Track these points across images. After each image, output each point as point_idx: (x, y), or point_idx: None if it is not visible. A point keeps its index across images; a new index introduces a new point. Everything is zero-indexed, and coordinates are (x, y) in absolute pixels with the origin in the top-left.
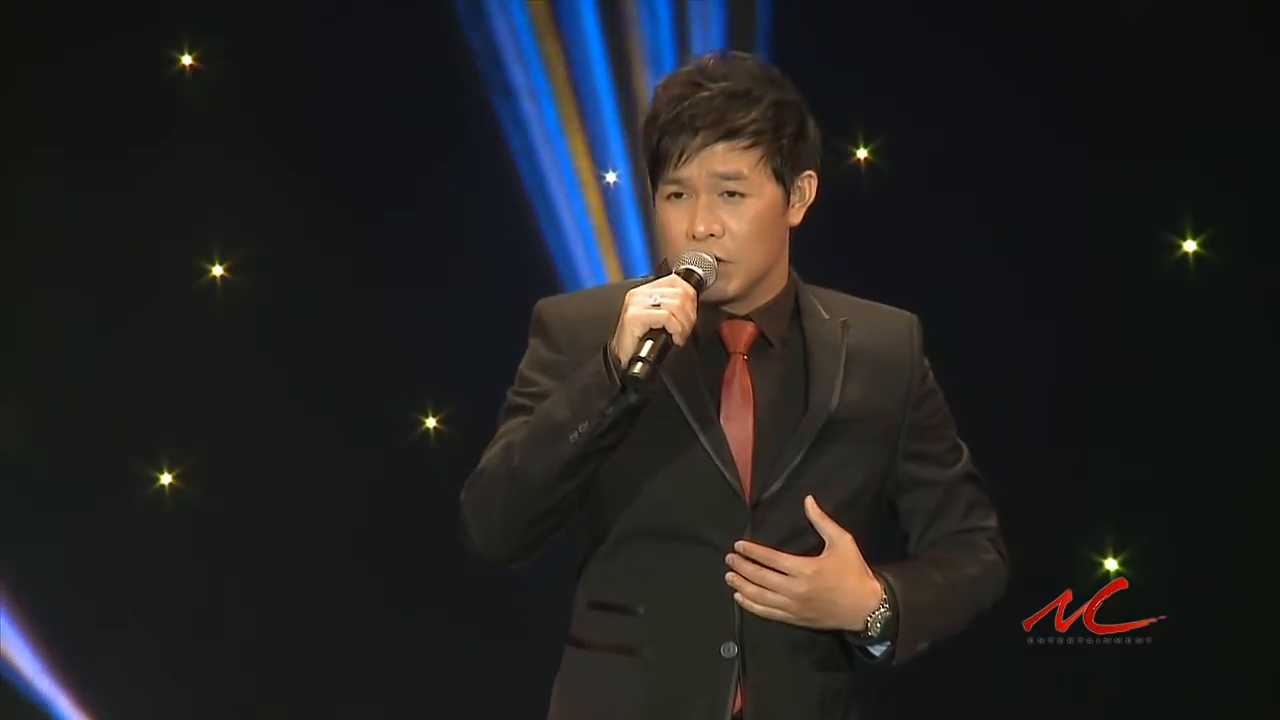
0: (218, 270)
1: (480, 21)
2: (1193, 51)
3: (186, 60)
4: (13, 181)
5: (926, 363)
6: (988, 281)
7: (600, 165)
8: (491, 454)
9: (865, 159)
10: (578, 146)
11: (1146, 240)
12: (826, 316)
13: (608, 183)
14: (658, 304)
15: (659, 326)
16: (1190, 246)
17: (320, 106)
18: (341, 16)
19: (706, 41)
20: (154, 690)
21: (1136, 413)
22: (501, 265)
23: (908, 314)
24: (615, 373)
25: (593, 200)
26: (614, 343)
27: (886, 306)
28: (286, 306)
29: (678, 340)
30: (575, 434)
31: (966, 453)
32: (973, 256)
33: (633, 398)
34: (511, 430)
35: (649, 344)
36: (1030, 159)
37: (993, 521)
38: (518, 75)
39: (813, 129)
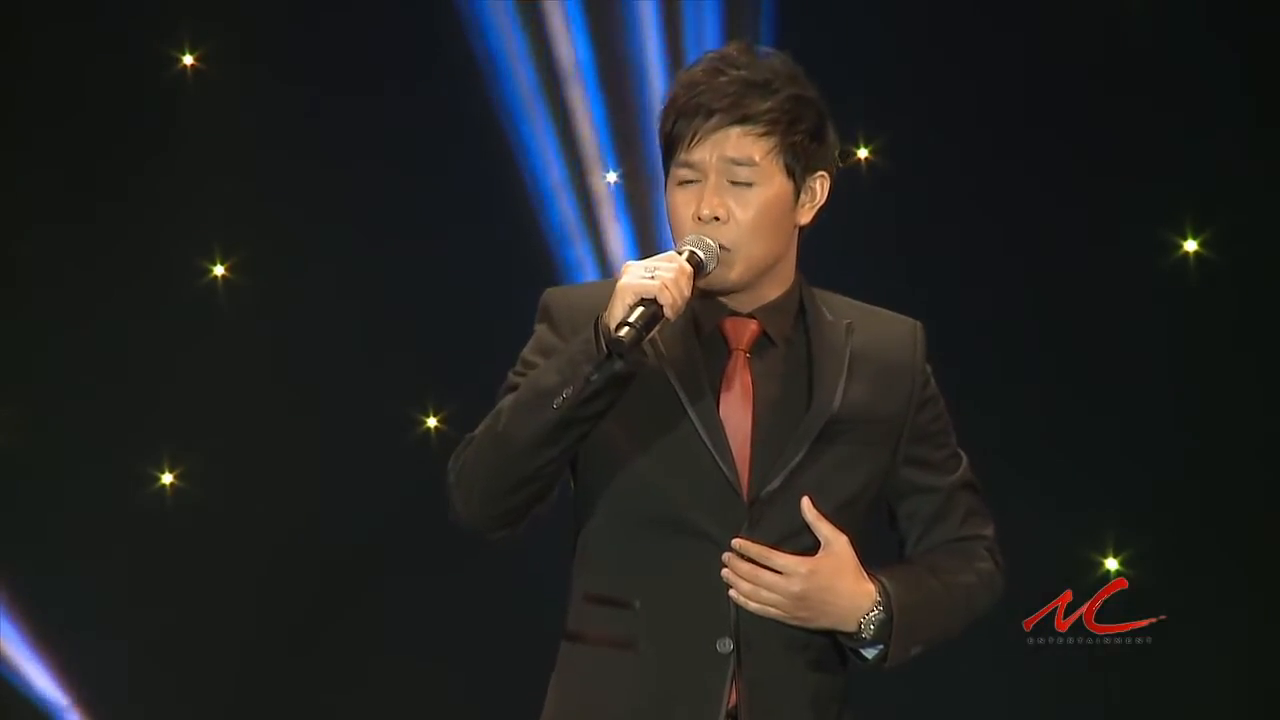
0: (218, 270)
1: (483, 22)
2: (1193, 51)
3: (187, 60)
4: (13, 181)
5: (929, 369)
6: (988, 281)
7: (600, 165)
8: (482, 425)
9: (865, 159)
10: (579, 147)
11: (1146, 240)
12: (831, 318)
13: (608, 183)
14: (653, 276)
15: (650, 297)
16: (1190, 246)
17: (320, 106)
18: (342, 17)
19: (710, 41)
20: (154, 690)
21: (1137, 412)
22: (502, 265)
23: (911, 320)
24: (603, 339)
25: (593, 201)
26: (606, 313)
27: (890, 312)
28: (286, 306)
29: (668, 313)
30: (559, 399)
31: (965, 461)
32: (973, 256)
33: (618, 365)
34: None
35: (638, 311)
36: (1030, 159)
37: (989, 530)
38: (520, 76)
39: (831, 133)
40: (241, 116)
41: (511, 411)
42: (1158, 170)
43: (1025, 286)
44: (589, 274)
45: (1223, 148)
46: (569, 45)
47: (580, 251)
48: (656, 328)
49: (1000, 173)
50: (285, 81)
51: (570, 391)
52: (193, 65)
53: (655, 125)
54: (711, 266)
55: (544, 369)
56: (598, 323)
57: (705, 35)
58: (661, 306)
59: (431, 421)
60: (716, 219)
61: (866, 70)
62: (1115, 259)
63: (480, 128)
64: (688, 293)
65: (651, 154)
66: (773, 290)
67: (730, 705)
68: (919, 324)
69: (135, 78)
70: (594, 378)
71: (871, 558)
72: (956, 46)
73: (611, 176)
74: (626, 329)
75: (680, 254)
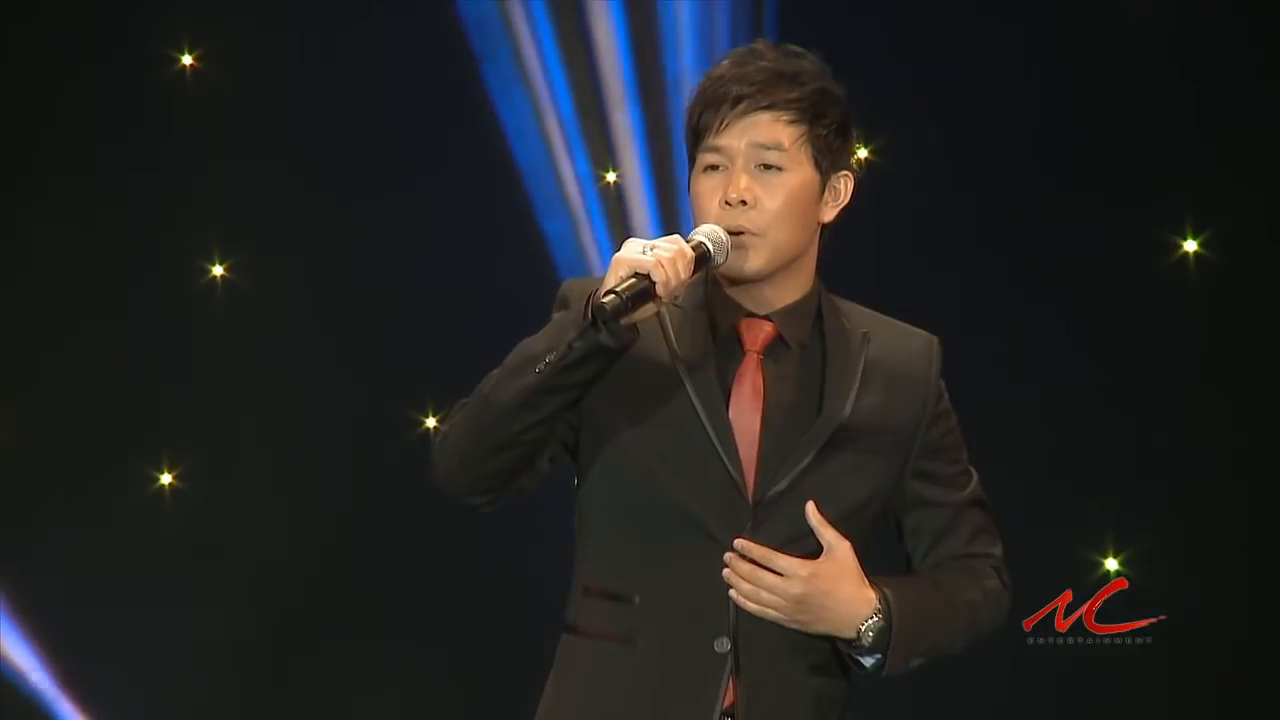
0: (218, 270)
1: (482, 21)
2: (1193, 51)
3: (186, 60)
4: (13, 181)
5: (943, 384)
6: (988, 281)
7: (600, 165)
8: None
9: (865, 159)
10: (578, 146)
11: (1146, 240)
12: (848, 326)
13: (608, 183)
14: (650, 252)
15: (644, 272)
16: (1190, 246)
17: (320, 106)
18: (341, 17)
19: (710, 41)
20: (154, 689)
21: (1136, 412)
22: (502, 266)
23: (928, 334)
24: (590, 309)
25: (593, 200)
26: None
27: (907, 325)
28: (286, 306)
29: (660, 290)
30: (542, 364)
31: (976, 479)
32: (973, 256)
33: (601, 334)
34: None
35: (628, 282)
36: (1030, 159)
37: (998, 550)
38: (519, 76)
39: (853, 138)
40: (241, 116)
41: (498, 376)
42: (1157, 170)
43: (1025, 287)
44: (587, 275)
45: (1222, 147)
46: (570, 45)
47: (580, 252)
48: (647, 305)
49: (1000, 173)
50: (285, 81)
51: (553, 357)
52: (192, 65)
53: (655, 126)
54: (720, 260)
55: (535, 337)
56: (591, 295)
57: (707, 35)
58: (653, 283)
59: (431, 421)
60: (744, 203)
61: (866, 70)
62: (1115, 259)
63: (479, 128)
64: (684, 275)
65: (648, 155)
66: (791, 294)
67: (727, 705)
68: (936, 339)
69: (135, 78)
70: (576, 343)
71: (877, 568)
72: (957, 46)
73: (611, 177)
74: (611, 297)
75: (689, 241)
